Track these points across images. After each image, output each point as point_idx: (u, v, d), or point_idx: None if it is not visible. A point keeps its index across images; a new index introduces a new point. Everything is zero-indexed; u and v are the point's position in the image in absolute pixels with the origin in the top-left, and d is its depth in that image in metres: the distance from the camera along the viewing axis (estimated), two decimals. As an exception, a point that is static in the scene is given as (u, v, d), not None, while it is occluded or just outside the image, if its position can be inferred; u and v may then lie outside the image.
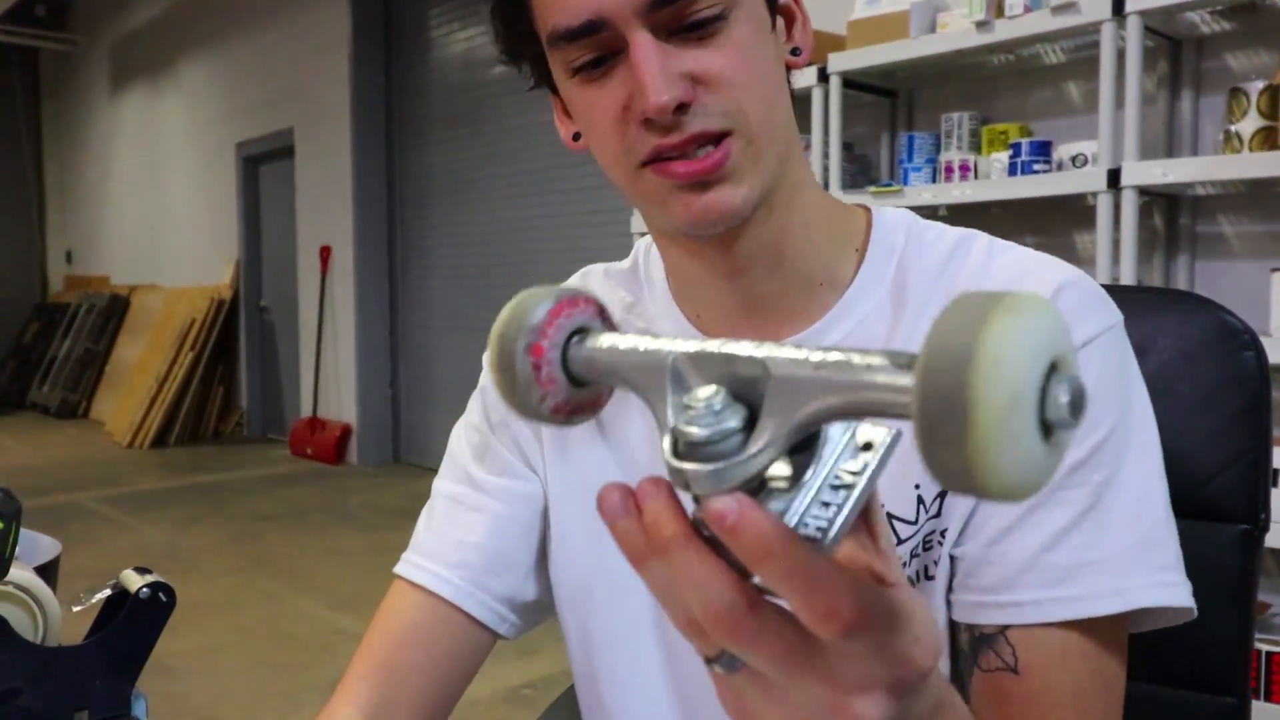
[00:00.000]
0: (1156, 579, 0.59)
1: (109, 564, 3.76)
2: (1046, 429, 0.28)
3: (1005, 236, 0.67)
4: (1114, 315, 0.63)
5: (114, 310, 8.30)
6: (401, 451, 6.08)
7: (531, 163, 4.98)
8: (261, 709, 2.67)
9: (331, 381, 6.25)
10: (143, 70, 8.43)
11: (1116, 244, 2.28)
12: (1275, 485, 1.98)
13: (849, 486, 0.33)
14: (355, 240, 5.99)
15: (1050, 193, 2.43)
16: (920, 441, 0.28)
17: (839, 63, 2.77)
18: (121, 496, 5.17)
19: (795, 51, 0.65)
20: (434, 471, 0.79)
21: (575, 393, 0.38)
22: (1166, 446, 0.62)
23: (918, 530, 0.63)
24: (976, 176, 2.60)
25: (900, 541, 0.63)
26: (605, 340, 0.37)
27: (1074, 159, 2.45)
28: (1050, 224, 2.68)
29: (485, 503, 0.74)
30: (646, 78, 0.56)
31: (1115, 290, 0.72)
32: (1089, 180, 2.33)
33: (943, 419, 0.27)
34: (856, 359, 0.31)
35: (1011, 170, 2.50)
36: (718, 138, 0.58)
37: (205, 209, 7.59)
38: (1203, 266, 2.45)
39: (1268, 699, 1.92)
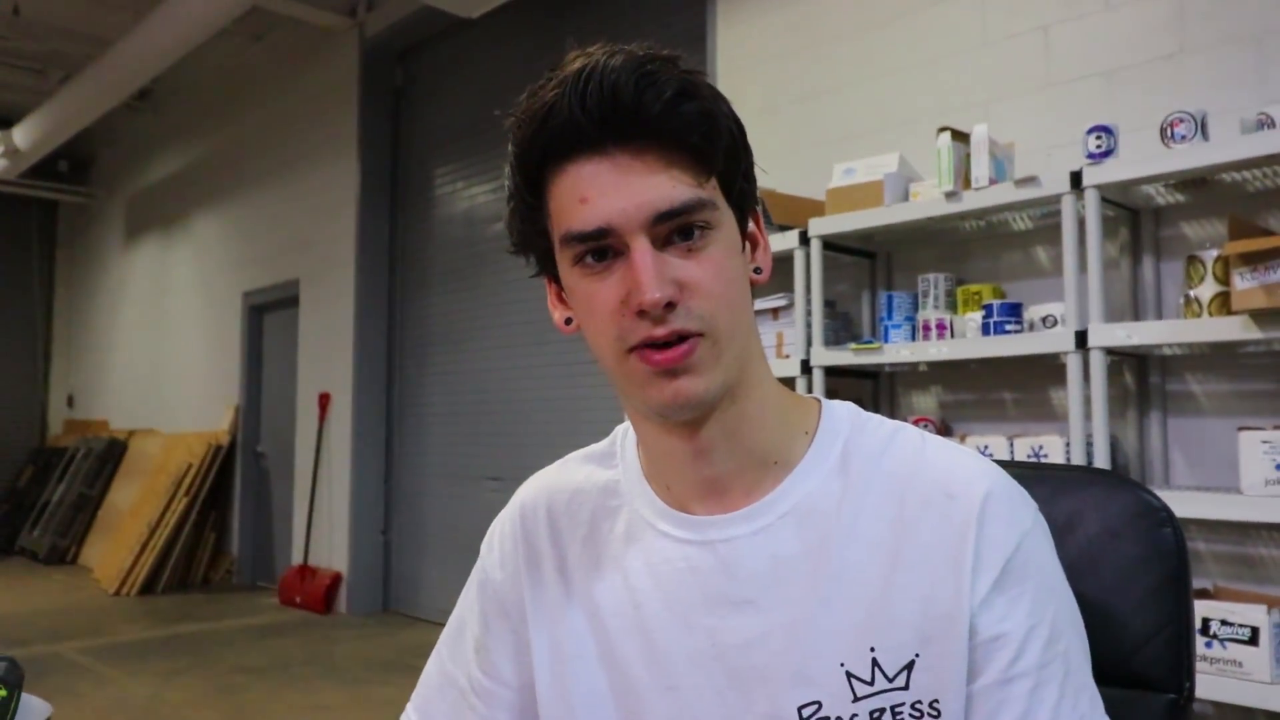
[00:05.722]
0: None
1: (89, 720, 3.61)
2: None
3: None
4: (1031, 501, 0.73)
5: (111, 454, 8.32)
6: (391, 601, 5.98)
7: (527, 315, 5.12)
8: None
9: (324, 528, 6.22)
10: (156, 222, 8.73)
11: (1088, 400, 2.36)
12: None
13: None
14: (354, 388, 6.09)
15: (1022, 352, 2.52)
16: None
17: (819, 227, 2.92)
18: (105, 647, 5.06)
19: (757, 270, 0.77)
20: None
21: None
22: (1096, 618, 0.67)
23: (875, 694, 0.69)
24: (953, 335, 2.70)
25: (855, 699, 0.69)
26: None
27: (1044, 319, 2.55)
28: (1025, 380, 2.77)
29: (476, 704, 0.84)
30: (644, 277, 0.67)
31: (1043, 468, 0.79)
32: (1058, 341, 2.42)
33: None
34: None
35: (985, 330, 2.60)
36: (690, 336, 0.69)
37: (209, 355, 7.73)
38: (1175, 423, 2.52)
39: None
